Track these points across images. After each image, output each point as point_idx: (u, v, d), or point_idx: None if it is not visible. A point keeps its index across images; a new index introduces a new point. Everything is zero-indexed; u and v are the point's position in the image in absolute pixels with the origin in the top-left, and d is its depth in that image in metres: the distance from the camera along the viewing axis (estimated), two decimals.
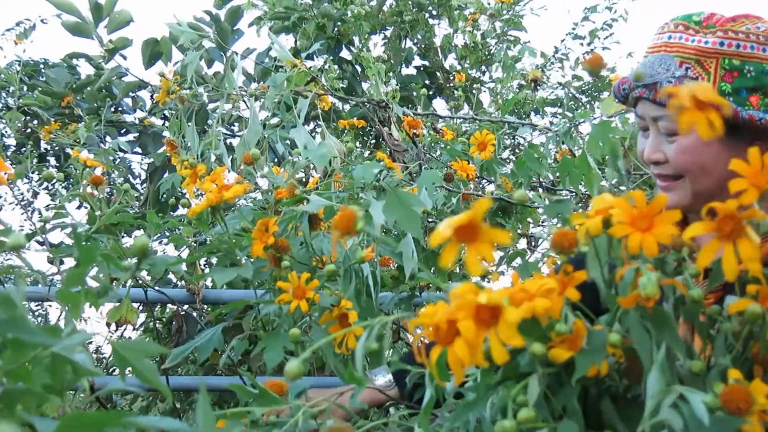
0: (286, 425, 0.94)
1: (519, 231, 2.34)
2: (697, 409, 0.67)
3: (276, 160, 2.82)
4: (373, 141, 3.84)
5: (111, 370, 3.21)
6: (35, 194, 3.92)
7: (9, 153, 4.04)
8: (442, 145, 2.46)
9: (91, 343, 3.17)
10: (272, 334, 1.41)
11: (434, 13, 4.47)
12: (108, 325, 2.09)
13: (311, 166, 1.86)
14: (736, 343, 0.80)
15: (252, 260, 1.49)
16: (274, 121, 2.50)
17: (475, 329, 0.72)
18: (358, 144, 3.64)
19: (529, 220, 2.82)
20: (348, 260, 1.43)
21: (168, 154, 2.36)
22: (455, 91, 3.60)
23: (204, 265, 2.79)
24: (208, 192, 1.42)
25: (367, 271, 1.45)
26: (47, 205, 3.46)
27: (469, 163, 2.20)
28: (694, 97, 0.81)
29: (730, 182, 0.80)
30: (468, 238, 0.79)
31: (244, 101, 2.28)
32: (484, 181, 2.49)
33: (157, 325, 3.49)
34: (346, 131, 1.94)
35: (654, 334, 0.77)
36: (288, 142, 2.61)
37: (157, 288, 2.36)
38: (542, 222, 3.27)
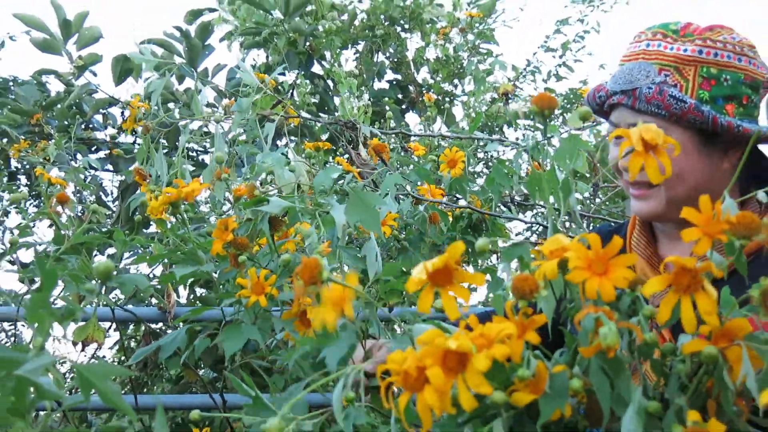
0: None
1: (490, 246, 2.36)
2: None
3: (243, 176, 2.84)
4: (346, 158, 3.86)
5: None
6: (6, 213, 3.90)
7: None
8: (412, 165, 2.48)
9: (64, 362, 3.16)
10: (232, 326, 1.42)
11: (406, 26, 4.49)
12: (74, 344, 2.09)
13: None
14: (689, 383, 0.80)
15: (216, 263, 1.51)
16: (244, 138, 2.51)
17: (444, 377, 0.72)
18: (329, 160, 3.66)
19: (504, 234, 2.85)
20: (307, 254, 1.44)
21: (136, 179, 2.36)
22: (427, 106, 3.62)
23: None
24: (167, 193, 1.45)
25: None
26: (18, 224, 3.45)
27: (439, 183, 2.22)
28: (643, 140, 0.84)
29: (682, 231, 0.80)
30: (443, 282, 0.80)
31: (212, 121, 2.30)
32: (456, 196, 2.51)
33: (132, 344, 3.49)
34: (311, 154, 1.95)
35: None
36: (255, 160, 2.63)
37: (124, 308, 2.37)
38: (515, 236, 3.31)
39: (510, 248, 1.00)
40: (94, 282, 1.29)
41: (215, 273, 1.49)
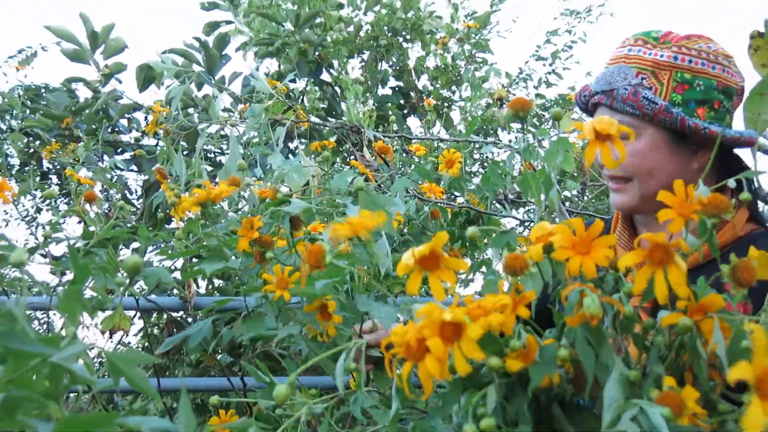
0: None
1: (485, 241, 2.35)
2: (655, 420, 0.68)
3: (257, 177, 2.84)
4: (351, 158, 3.86)
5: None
6: (38, 210, 3.91)
7: (13, 172, 4.03)
8: (413, 165, 2.49)
9: (92, 348, 3.17)
10: (255, 318, 1.43)
11: (408, 37, 4.49)
12: (102, 332, 2.10)
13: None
14: (668, 354, 0.82)
15: (239, 260, 1.52)
16: (257, 140, 2.52)
17: (443, 346, 0.73)
18: (336, 161, 3.66)
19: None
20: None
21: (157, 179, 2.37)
22: (427, 111, 3.63)
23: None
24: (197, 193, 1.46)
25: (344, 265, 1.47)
26: (49, 221, 3.46)
27: (439, 183, 2.23)
28: (595, 130, 0.85)
29: (658, 212, 0.82)
30: (430, 266, 0.82)
31: (228, 125, 2.30)
32: (454, 194, 2.51)
33: (155, 331, 3.49)
34: (319, 154, 1.96)
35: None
36: (268, 164, 2.63)
37: (148, 298, 2.37)
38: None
39: (499, 235, 1.02)
40: (123, 275, 1.30)
41: (240, 269, 1.50)
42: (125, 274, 0.83)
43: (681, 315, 0.79)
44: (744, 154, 1.42)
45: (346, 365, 0.91)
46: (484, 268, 2.23)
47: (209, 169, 2.69)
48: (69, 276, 2.79)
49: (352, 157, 2.71)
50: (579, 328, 0.78)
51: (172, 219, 3.63)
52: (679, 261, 0.77)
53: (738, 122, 1.40)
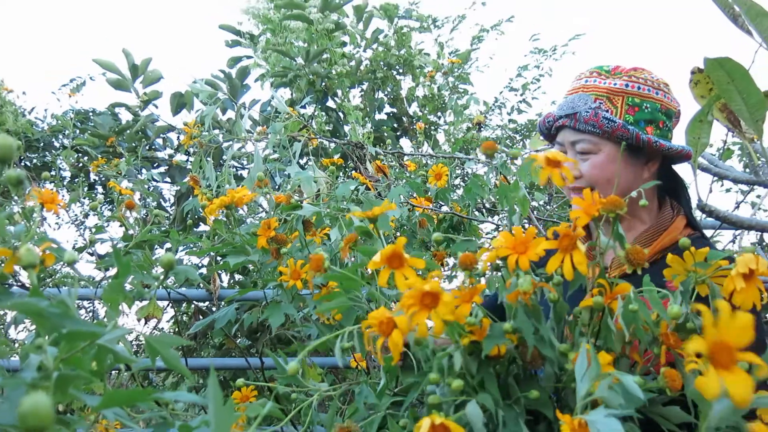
0: None
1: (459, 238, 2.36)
2: (631, 387, 0.69)
3: (276, 187, 2.83)
4: (353, 171, 3.86)
5: (142, 353, 3.20)
6: (86, 215, 3.90)
7: (65, 182, 4.03)
8: (405, 179, 2.49)
9: (131, 333, 3.15)
10: (273, 305, 1.42)
11: (400, 71, 4.50)
12: (138, 319, 2.09)
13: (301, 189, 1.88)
14: (589, 326, 0.87)
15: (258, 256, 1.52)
16: (275, 157, 2.51)
17: (405, 323, 0.79)
18: (340, 174, 3.65)
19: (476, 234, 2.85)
20: (333, 249, 1.45)
21: (191, 185, 2.37)
22: (417, 133, 3.63)
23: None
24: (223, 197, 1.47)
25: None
26: (95, 225, 3.45)
27: (427, 193, 2.22)
28: (547, 158, 0.92)
29: (570, 212, 0.88)
30: (395, 264, 0.89)
31: (251, 142, 2.30)
32: (440, 203, 2.51)
33: (183, 318, 3.48)
34: (328, 168, 1.96)
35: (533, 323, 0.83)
36: (286, 173, 2.63)
37: (177, 290, 2.36)
38: (485, 234, 3.30)
39: (461, 242, 1.04)
40: (158, 271, 1.29)
41: (259, 262, 1.50)
42: (160, 270, 0.82)
43: (595, 297, 0.84)
44: (684, 170, 1.43)
45: (341, 345, 0.92)
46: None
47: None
48: (111, 272, 2.77)
49: (354, 170, 2.71)
50: (520, 308, 0.83)
51: (200, 224, 3.62)
52: (580, 246, 0.82)
53: (676, 141, 1.41)
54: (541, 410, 0.81)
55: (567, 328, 0.87)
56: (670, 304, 0.81)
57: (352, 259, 1.23)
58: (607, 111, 1.34)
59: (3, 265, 0.74)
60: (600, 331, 0.84)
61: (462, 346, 0.82)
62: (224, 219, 1.53)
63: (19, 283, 1.93)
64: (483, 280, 0.92)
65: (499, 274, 0.91)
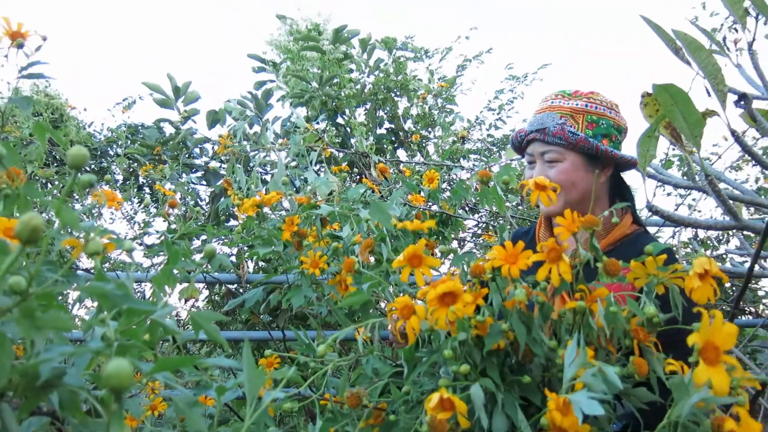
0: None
1: (453, 236, 2.36)
2: (611, 376, 0.69)
3: (295, 189, 2.83)
4: (358, 177, 3.86)
5: (183, 327, 3.19)
6: (136, 212, 3.90)
7: (118, 185, 4.02)
8: (403, 182, 2.48)
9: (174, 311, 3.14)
10: (294, 288, 1.43)
11: (398, 93, 4.49)
12: (179, 299, 2.09)
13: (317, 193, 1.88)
14: (573, 326, 0.86)
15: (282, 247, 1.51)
16: (294, 164, 2.51)
17: (423, 312, 0.80)
18: (348, 179, 3.65)
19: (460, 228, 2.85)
20: (347, 242, 1.45)
21: (224, 187, 2.37)
22: (411, 145, 3.62)
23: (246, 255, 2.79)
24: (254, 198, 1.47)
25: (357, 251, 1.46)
26: (144, 220, 3.45)
27: (420, 194, 2.22)
28: (536, 183, 0.95)
29: (554, 229, 0.88)
30: (415, 263, 0.90)
31: (274, 152, 2.29)
32: (431, 203, 2.51)
33: (216, 298, 3.47)
34: (338, 174, 1.96)
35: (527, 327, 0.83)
36: (303, 178, 2.62)
37: (212, 275, 2.36)
38: (468, 229, 3.30)
39: (461, 255, 1.04)
40: (199, 258, 1.29)
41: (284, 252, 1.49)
42: (200, 257, 0.82)
43: (577, 301, 0.84)
44: (632, 177, 1.44)
45: (363, 334, 0.93)
46: (451, 255, 2.22)
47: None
48: (157, 259, 2.77)
49: (360, 176, 2.70)
50: (514, 313, 0.83)
51: (230, 220, 3.62)
52: (565, 258, 0.83)
53: (625, 152, 1.43)
54: (528, 396, 0.81)
55: (549, 326, 0.87)
56: (645, 305, 0.81)
57: (371, 259, 1.23)
58: (571, 126, 1.35)
59: (71, 252, 0.74)
60: (582, 328, 0.84)
61: (470, 336, 0.82)
62: (255, 216, 1.53)
63: (81, 268, 1.93)
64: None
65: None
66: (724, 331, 0.67)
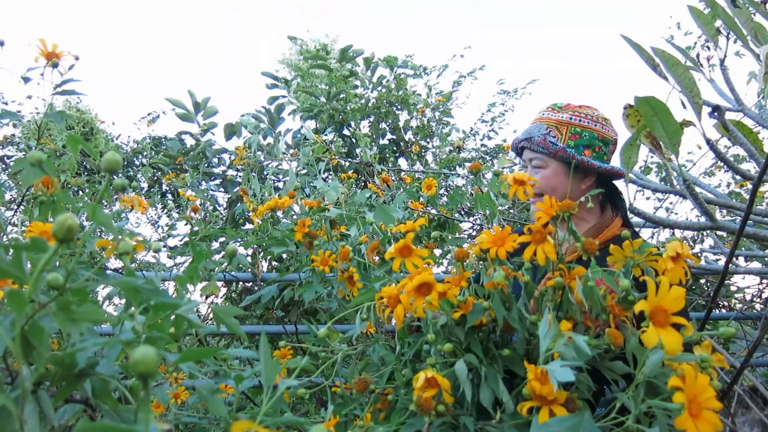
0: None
1: (450, 236, 2.35)
2: (580, 344, 0.69)
3: (305, 196, 2.83)
4: (363, 184, 3.86)
5: (204, 321, 3.18)
6: (159, 217, 3.90)
7: (143, 192, 4.03)
8: (404, 189, 2.48)
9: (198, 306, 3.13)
10: (306, 284, 1.42)
11: (399, 107, 4.50)
12: (201, 296, 2.09)
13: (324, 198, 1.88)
14: (553, 302, 0.86)
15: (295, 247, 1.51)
16: (304, 172, 2.51)
17: (407, 301, 0.80)
18: (353, 186, 3.65)
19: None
20: (353, 243, 1.45)
21: (240, 194, 2.37)
22: (411, 154, 3.62)
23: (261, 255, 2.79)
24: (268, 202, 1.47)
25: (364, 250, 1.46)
26: (167, 224, 3.45)
27: (420, 200, 2.22)
28: (515, 178, 0.96)
29: (534, 213, 0.85)
30: (406, 254, 0.91)
31: (286, 161, 2.30)
32: (430, 207, 2.51)
33: (233, 295, 3.47)
34: (344, 181, 1.96)
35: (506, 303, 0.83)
36: (312, 185, 2.62)
37: (230, 273, 2.36)
38: (464, 230, 3.29)
39: (454, 239, 1.03)
40: (220, 258, 1.29)
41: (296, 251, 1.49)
42: (221, 257, 0.82)
43: (557, 277, 0.84)
44: (618, 182, 1.43)
45: (360, 317, 0.92)
46: (449, 255, 2.22)
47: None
48: (180, 259, 2.77)
49: (365, 183, 2.70)
50: (494, 293, 0.83)
51: (245, 223, 3.61)
52: (549, 240, 0.83)
53: (615, 162, 1.42)
54: (511, 367, 0.81)
55: (533, 302, 0.87)
56: (620, 279, 0.81)
57: (376, 258, 1.23)
58: (554, 137, 1.36)
59: (104, 252, 0.74)
60: (562, 304, 0.84)
61: (451, 317, 0.82)
62: (269, 219, 1.53)
63: (110, 268, 1.93)
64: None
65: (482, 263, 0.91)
66: (670, 296, 0.67)
